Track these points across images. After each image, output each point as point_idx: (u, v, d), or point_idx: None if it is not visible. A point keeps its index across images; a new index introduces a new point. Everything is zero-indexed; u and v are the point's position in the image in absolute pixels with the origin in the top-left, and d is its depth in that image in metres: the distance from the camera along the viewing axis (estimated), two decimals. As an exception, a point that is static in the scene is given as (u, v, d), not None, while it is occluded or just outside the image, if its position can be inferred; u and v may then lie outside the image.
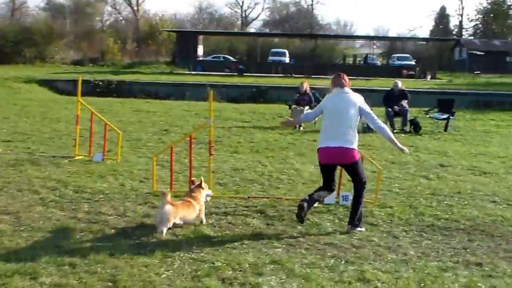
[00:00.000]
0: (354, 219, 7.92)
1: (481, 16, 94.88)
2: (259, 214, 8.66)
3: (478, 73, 58.66)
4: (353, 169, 8.02)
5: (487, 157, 14.27)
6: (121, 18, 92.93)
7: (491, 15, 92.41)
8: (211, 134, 9.76)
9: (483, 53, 65.93)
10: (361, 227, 7.97)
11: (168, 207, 7.44)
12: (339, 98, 8.09)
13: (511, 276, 6.42)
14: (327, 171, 8.16)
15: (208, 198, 8.64)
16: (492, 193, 10.35)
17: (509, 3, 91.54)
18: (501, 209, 9.27)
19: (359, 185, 8.03)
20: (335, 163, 8.08)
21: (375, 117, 8.12)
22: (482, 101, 31.99)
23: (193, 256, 6.73)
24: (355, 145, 7.92)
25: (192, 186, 8.39)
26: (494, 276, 6.41)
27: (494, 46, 73.29)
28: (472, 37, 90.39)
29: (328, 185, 8.19)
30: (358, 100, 8.07)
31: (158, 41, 75.79)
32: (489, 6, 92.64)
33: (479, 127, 20.89)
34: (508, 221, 8.61)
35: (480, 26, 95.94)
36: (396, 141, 8.14)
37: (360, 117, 8.08)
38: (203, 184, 8.37)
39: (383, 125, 8.17)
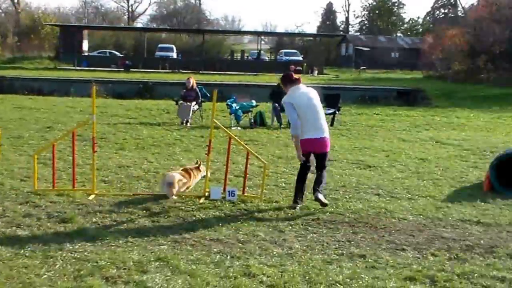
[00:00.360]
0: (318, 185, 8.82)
1: (367, 12, 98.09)
2: (144, 211, 8.46)
3: (364, 69, 60.40)
4: (326, 156, 9.06)
5: (371, 151, 14.63)
6: (0, 11, 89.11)
7: (377, 11, 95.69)
8: (95, 130, 9.46)
9: (368, 49, 67.94)
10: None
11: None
12: (305, 94, 8.95)
13: (393, 266, 6.56)
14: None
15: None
16: (376, 186, 10.58)
17: (393, 0, 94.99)
18: (384, 202, 9.49)
19: (322, 169, 9.03)
20: (320, 151, 8.95)
21: None
22: (367, 96, 32.89)
23: (76, 255, 6.50)
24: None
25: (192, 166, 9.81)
26: (377, 267, 6.53)
27: (380, 42, 75.83)
28: (358, 33, 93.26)
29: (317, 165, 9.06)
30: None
31: (41, 35, 73.14)
32: (374, 3, 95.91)
33: (364, 122, 21.43)
34: (391, 213, 8.82)
35: (366, 22, 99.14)
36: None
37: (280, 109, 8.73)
38: (201, 167, 9.84)
39: None
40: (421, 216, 8.74)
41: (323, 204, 8.74)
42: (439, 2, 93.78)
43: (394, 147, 15.25)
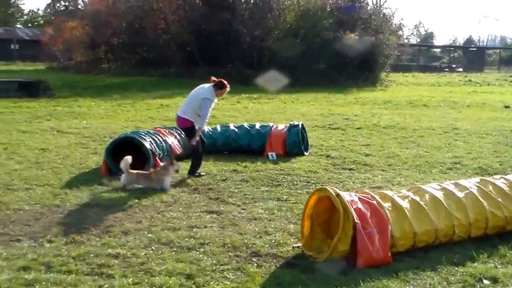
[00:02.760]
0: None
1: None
2: None
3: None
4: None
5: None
6: None
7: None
8: None
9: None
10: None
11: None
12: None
13: (7, 258, 6.42)
14: None
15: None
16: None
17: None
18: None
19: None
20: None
21: None
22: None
23: None
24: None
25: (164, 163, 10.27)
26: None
27: (-2, 34, 72.77)
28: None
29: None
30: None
31: None
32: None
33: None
34: (6, 205, 8.57)
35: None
36: None
37: None
38: (174, 162, 10.09)
39: None
40: (38, 205, 8.65)
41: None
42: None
43: (13, 139, 14.74)
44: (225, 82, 10.83)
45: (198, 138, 10.67)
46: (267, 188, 9.91)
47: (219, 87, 10.75)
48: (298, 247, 6.86)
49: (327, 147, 14.05)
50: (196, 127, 10.63)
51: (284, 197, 9.30)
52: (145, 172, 10.06)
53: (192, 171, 10.86)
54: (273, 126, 13.30)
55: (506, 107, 26.00)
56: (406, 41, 58.38)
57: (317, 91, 32.14)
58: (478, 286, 5.97)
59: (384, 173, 11.30)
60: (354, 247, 6.27)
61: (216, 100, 10.84)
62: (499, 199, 7.25)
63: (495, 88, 42.47)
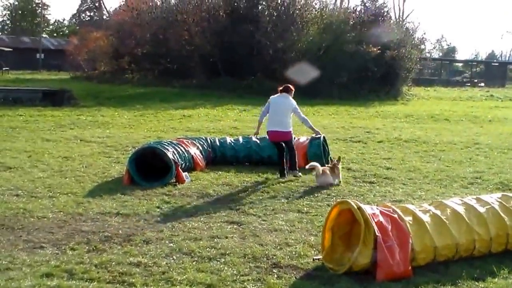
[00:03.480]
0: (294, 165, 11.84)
1: (9, 12, 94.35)
2: None
3: (7, 70, 57.94)
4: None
5: (13, 152, 14.11)
6: None
7: (20, 12, 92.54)
8: None
9: (11, 50, 65.33)
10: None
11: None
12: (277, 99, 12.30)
13: (30, 265, 6.50)
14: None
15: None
16: (15, 187, 10.30)
17: (37, 1, 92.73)
18: (23, 202, 9.29)
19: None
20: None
21: None
22: (11, 98, 31.39)
23: None
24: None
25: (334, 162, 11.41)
26: (12, 268, 6.40)
27: (23, 43, 73.48)
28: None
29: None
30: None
31: None
32: (16, 3, 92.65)
33: (7, 123, 20.52)
34: (30, 212, 8.68)
35: (8, 22, 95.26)
36: None
37: None
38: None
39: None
40: (62, 212, 8.76)
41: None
42: (84, 5, 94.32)
43: (37, 147, 14.92)
44: (289, 84, 12.28)
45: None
46: (288, 200, 9.96)
47: (290, 90, 12.18)
48: (318, 259, 6.89)
49: (348, 160, 14.06)
50: (310, 126, 12.67)
51: (305, 209, 9.34)
52: (328, 167, 11.35)
53: (293, 167, 11.87)
54: (295, 138, 13.34)
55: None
56: (428, 55, 58.36)
57: (339, 104, 32.19)
58: (498, 301, 5.98)
59: (405, 187, 11.30)
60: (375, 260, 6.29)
61: None
62: (521, 215, 7.23)
63: (517, 103, 42.18)
